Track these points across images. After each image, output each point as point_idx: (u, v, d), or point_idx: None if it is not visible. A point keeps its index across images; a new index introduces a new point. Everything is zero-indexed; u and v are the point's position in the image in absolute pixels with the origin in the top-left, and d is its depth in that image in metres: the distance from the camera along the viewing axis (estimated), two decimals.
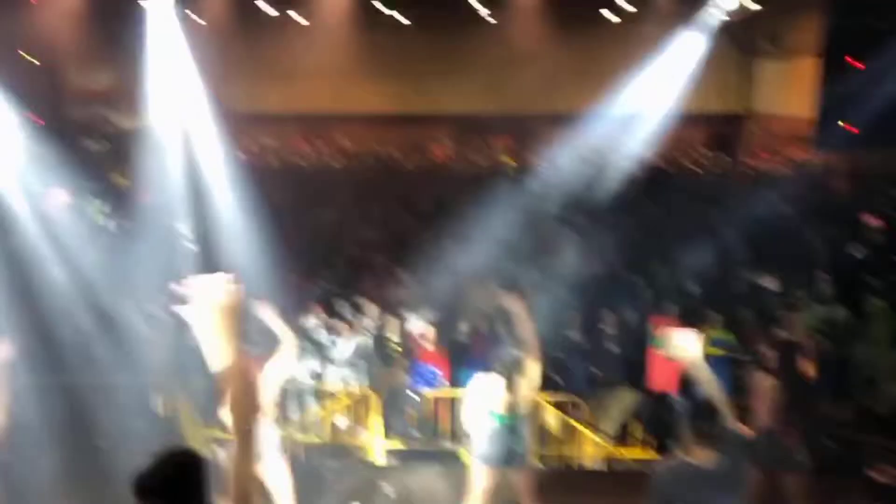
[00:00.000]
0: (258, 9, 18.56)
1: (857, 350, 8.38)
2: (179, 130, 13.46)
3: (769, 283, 9.95)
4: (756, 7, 17.22)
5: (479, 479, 5.30)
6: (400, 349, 8.71)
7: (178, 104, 13.78)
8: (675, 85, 18.51)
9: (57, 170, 11.50)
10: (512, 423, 5.09)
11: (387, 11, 19.97)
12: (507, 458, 5.16)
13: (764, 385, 5.29)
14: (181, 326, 8.57)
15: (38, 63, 13.37)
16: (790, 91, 19.44)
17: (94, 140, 17.63)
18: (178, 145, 13.15)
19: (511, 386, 5.06)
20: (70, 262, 9.77)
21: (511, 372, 5.07)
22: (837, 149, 15.21)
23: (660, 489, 3.69)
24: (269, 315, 5.38)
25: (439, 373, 8.47)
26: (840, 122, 12.72)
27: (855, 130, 12.59)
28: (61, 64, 15.59)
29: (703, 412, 3.75)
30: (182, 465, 2.23)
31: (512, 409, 5.07)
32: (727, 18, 18.27)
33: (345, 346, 8.68)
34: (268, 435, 5.20)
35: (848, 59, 12.56)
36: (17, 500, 5.41)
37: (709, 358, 8.27)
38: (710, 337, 8.61)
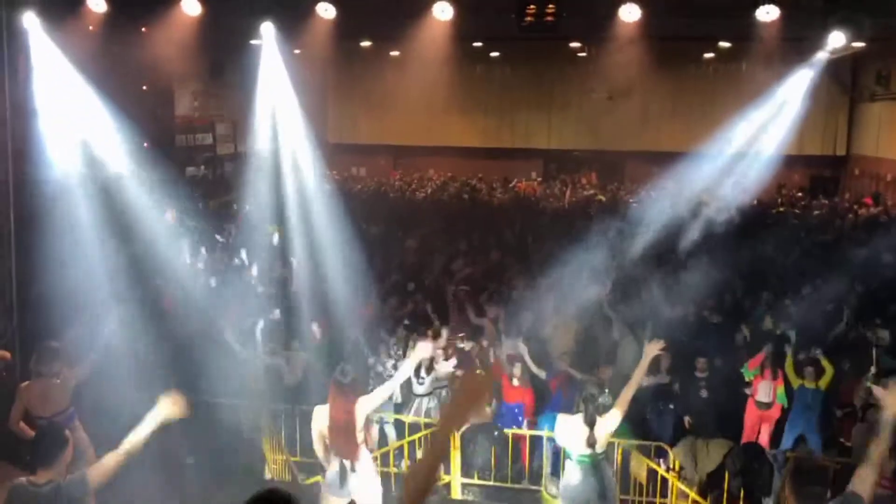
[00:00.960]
0: (356, 43, 19.09)
1: None
2: (278, 157, 13.91)
3: (875, 334, 9.43)
4: (860, 45, 16.55)
5: None
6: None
7: (278, 132, 14.25)
8: (777, 127, 17.96)
9: (164, 192, 12.02)
10: (594, 465, 4.95)
11: (480, 45, 20.18)
12: (588, 499, 5.01)
13: (876, 449, 4.93)
14: (272, 352, 8.82)
15: (148, 90, 14.05)
16: (894, 132, 18.60)
17: (197, 165, 18.43)
18: (277, 171, 13.59)
19: (594, 427, 4.94)
20: (174, 281, 10.18)
21: (595, 413, 4.96)
22: None
23: None
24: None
25: (522, 411, 8.36)
26: None
27: None
28: (170, 92, 16.38)
29: (809, 470, 3.54)
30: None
31: (594, 449, 4.94)
32: (831, 57, 17.67)
33: (427, 376, 8.68)
34: (366, 469, 5.23)
35: None
36: None
37: (801, 409, 8.00)
38: (801, 387, 8.29)
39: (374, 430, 8.56)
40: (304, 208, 12.72)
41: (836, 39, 10.24)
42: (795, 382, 8.40)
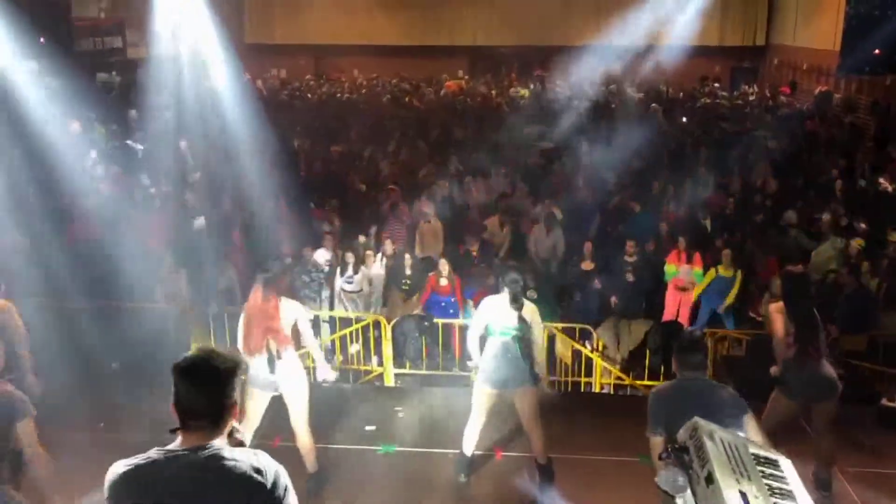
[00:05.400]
0: None
1: (871, 281, 8.30)
2: (189, 60, 13.29)
3: (787, 215, 9.83)
4: None
5: (481, 399, 5.32)
6: (412, 283, 8.71)
7: (187, 34, 13.57)
8: (691, 15, 18.11)
9: (68, 99, 11.41)
10: (517, 343, 5.07)
11: None
12: (515, 376, 5.15)
13: (776, 309, 5.27)
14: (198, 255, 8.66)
15: None
16: (813, 23, 18.89)
17: (108, 70, 17.45)
18: (188, 75, 13.01)
19: (517, 306, 5.03)
20: (88, 192, 9.79)
21: (517, 292, 5.04)
22: (860, 73, 14.88)
23: (658, 406, 3.74)
24: None
25: (453, 301, 8.47)
26: (863, 46, 12.39)
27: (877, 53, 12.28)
28: None
29: (690, 342, 3.83)
30: (218, 358, 2.45)
31: (517, 329, 5.04)
32: None
33: (354, 276, 8.71)
34: (292, 359, 5.23)
35: None
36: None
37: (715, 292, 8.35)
38: (713, 275, 8.62)
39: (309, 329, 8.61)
40: (219, 114, 12.27)
41: None
42: (711, 274, 8.71)
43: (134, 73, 15.98)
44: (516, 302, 5.03)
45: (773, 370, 5.23)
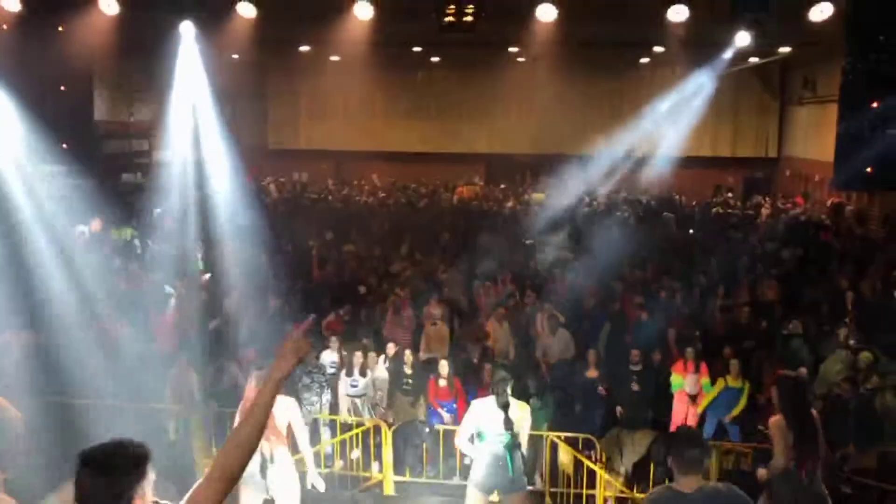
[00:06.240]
0: (294, 48, 19.02)
1: (882, 396, 8.13)
2: (206, 163, 13.78)
3: (792, 325, 9.78)
4: (785, 51, 17.35)
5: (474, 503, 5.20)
6: (413, 383, 8.67)
7: (204, 138, 14.12)
8: (704, 128, 18.60)
9: (91, 201, 11.79)
10: (508, 447, 5.01)
11: (419, 51, 20.31)
12: (503, 482, 5.07)
13: (775, 424, 5.18)
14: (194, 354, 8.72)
15: (67, 92, 13.59)
16: (820, 135, 19.31)
17: (134, 171, 18.09)
18: (205, 178, 13.45)
19: (507, 409, 5.00)
20: (96, 291, 9.96)
21: (506, 395, 5.01)
22: (853, 188, 15.15)
23: None
24: None
25: (454, 406, 8.40)
26: (855, 162, 12.67)
27: (869, 170, 12.53)
28: (90, 93, 15.95)
29: (687, 437, 3.74)
30: (124, 449, 2.36)
31: (508, 432, 4.99)
32: (761, 63, 18.42)
33: (360, 379, 8.69)
34: (285, 462, 5.21)
35: (864, 99, 12.55)
36: None
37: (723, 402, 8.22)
38: (722, 386, 8.52)
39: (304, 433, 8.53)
40: (236, 217, 12.60)
41: (742, 39, 10.97)
42: (720, 384, 8.62)
43: (157, 174, 16.54)
44: (500, 400, 5.00)
45: (761, 473, 5.10)
